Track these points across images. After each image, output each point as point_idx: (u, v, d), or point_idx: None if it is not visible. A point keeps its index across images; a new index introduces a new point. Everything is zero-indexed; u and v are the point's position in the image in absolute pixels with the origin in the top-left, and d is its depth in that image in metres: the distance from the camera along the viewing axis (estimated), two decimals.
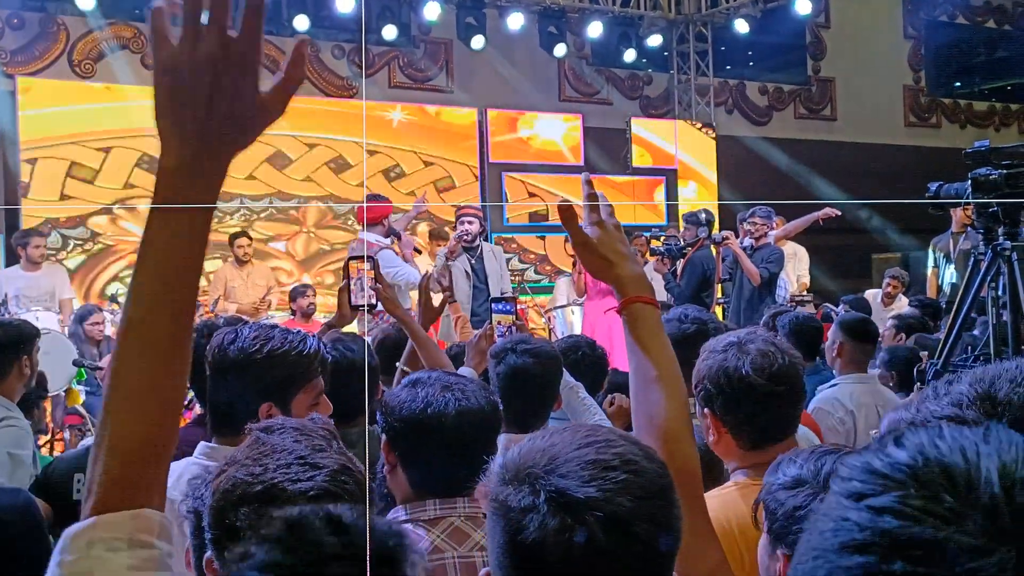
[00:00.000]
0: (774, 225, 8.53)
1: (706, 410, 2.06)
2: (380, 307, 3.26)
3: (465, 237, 7.39)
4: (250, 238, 9.10)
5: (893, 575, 0.58)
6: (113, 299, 8.33)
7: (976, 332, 4.88)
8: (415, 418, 1.89)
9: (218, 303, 8.61)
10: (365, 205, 7.43)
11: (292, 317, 8.27)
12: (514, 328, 3.37)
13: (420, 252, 7.52)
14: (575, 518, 1.03)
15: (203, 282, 8.52)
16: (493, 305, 3.52)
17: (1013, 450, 0.63)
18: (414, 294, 6.70)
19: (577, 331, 7.67)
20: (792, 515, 1.41)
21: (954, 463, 0.62)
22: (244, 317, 6.96)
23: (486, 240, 8.06)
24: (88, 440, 4.26)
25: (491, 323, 3.40)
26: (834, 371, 4.37)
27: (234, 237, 9.04)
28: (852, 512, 0.63)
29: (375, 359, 3.30)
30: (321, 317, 8.56)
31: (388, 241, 6.78)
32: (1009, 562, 0.57)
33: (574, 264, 8.38)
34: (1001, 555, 0.57)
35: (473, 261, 7.46)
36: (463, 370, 3.12)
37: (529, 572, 1.05)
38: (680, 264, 8.15)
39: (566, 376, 3.11)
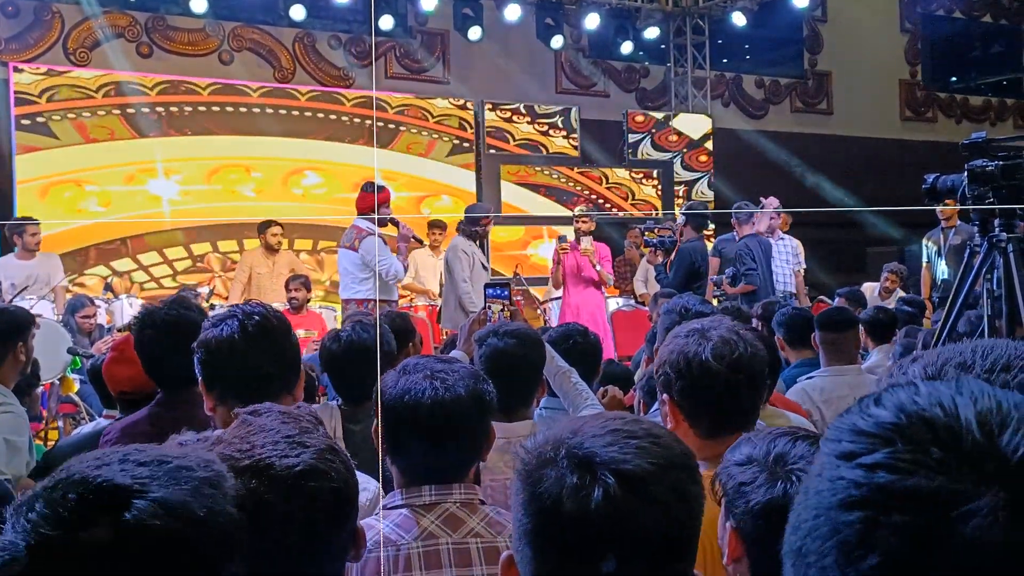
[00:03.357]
0: (754, 220, 8.53)
1: (665, 396, 2.05)
2: None
3: (486, 235, 7.95)
4: (281, 226, 9.13)
5: (892, 526, 0.62)
6: (108, 288, 8.30)
7: (960, 328, 4.83)
8: (394, 405, 1.89)
9: (212, 295, 8.61)
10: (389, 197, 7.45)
11: (287, 307, 8.25)
12: (505, 313, 3.35)
13: (422, 244, 7.59)
14: (592, 476, 1.05)
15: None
16: (487, 290, 3.49)
17: (986, 399, 0.66)
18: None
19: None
20: (738, 489, 1.43)
21: (935, 416, 0.66)
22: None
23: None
24: (85, 427, 4.25)
25: (484, 307, 3.39)
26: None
27: (265, 226, 9.06)
28: (846, 471, 0.65)
29: (391, 343, 3.28)
30: (316, 307, 8.56)
31: (374, 228, 6.78)
32: (999, 502, 0.61)
33: (555, 257, 8.43)
34: (990, 497, 0.61)
35: (484, 253, 7.78)
36: (455, 353, 3.11)
37: (547, 527, 1.06)
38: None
39: (558, 361, 3.08)
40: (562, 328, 3.73)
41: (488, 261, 7.84)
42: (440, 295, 9.02)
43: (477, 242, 7.82)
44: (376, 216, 6.84)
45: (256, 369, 2.05)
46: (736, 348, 1.99)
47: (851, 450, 0.66)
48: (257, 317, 2.08)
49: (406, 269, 6.89)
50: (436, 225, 9.73)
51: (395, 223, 6.96)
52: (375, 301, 6.69)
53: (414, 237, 7.00)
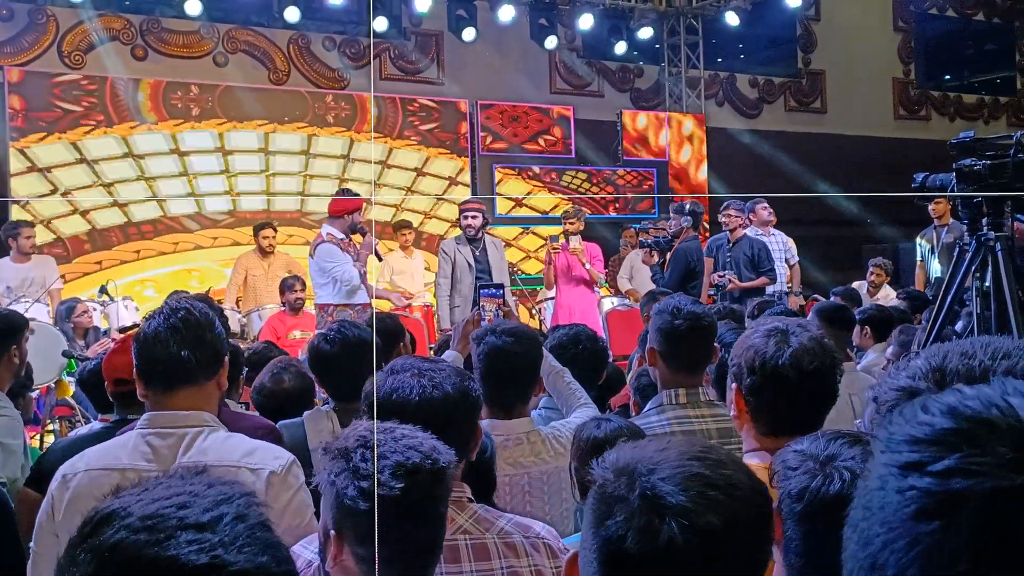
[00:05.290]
0: (750, 218, 8.58)
1: (734, 384, 2.08)
2: None
3: (469, 231, 7.71)
4: (275, 229, 9.16)
5: (978, 530, 0.62)
6: (103, 290, 8.30)
7: (958, 326, 4.86)
8: (381, 403, 1.91)
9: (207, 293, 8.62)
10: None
11: (283, 309, 8.26)
12: (500, 313, 3.38)
13: (380, 258, 7.47)
14: (661, 520, 1.05)
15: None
16: (481, 291, 3.52)
17: None
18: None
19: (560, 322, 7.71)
20: (784, 472, 1.48)
21: (994, 417, 0.66)
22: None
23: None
24: (80, 430, 4.26)
25: (479, 308, 3.41)
26: None
27: (259, 228, 9.12)
28: (915, 480, 0.65)
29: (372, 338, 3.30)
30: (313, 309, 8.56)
31: (340, 235, 6.73)
32: None
33: (546, 258, 8.48)
34: None
35: (477, 252, 7.76)
36: (448, 354, 3.14)
37: (611, 557, 1.08)
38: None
39: (552, 361, 3.10)
40: (572, 332, 3.71)
41: (485, 257, 7.75)
42: (416, 295, 9.11)
43: (475, 241, 7.79)
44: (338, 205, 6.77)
45: (175, 356, 2.19)
46: (816, 358, 1.99)
47: (916, 460, 0.66)
48: (182, 312, 2.25)
49: (364, 276, 6.80)
50: (403, 226, 9.77)
51: (362, 232, 6.88)
52: (335, 306, 6.56)
53: (376, 251, 6.87)
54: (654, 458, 1.11)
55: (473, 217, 7.76)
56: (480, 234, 7.81)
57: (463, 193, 11.71)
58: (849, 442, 1.49)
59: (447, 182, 12.01)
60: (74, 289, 9.26)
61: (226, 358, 2.31)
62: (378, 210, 11.36)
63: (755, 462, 2.01)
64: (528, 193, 12.25)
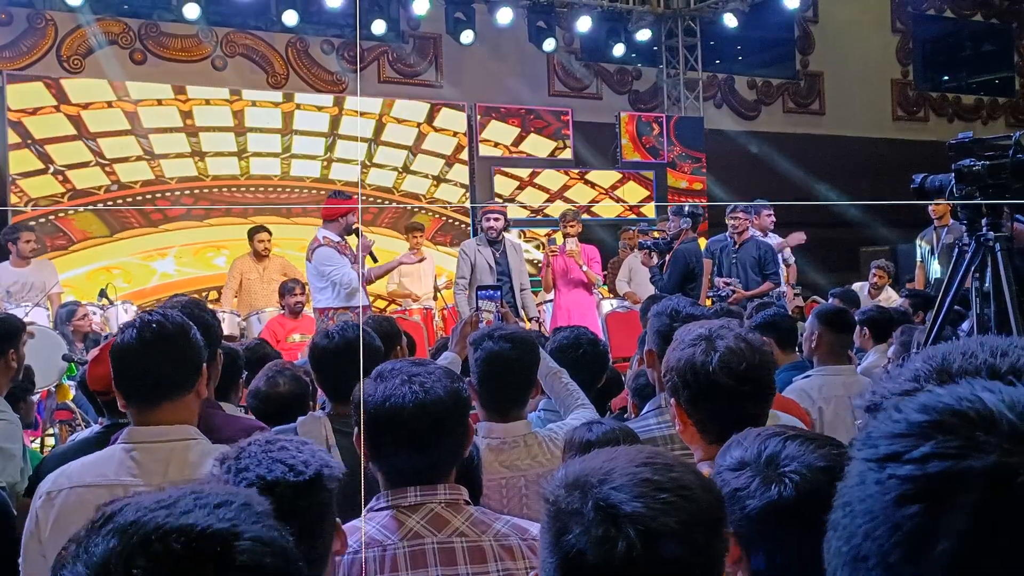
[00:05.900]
0: (754, 220, 8.60)
1: (673, 400, 2.07)
2: None
3: (491, 233, 7.79)
4: (269, 232, 9.17)
5: (959, 508, 0.63)
6: (103, 294, 8.31)
7: (964, 327, 4.84)
8: (375, 411, 1.91)
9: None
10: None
11: (282, 312, 8.27)
12: (499, 315, 3.38)
13: (376, 260, 7.39)
14: (618, 529, 1.07)
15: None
16: (479, 292, 3.53)
17: (1004, 392, 0.69)
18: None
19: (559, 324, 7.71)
20: (733, 495, 1.43)
21: (965, 408, 0.68)
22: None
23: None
24: (81, 434, 4.26)
25: (476, 310, 3.41)
26: (813, 361, 4.37)
27: (254, 232, 9.13)
28: (894, 469, 0.67)
29: (376, 340, 3.29)
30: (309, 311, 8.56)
31: (336, 238, 6.70)
32: None
33: (543, 260, 8.51)
34: None
35: (497, 255, 7.79)
36: (446, 355, 3.14)
37: (571, 573, 1.09)
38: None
39: (549, 362, 3.11)
40: (572, 335, 3.69)
41: (505, 259, 7.78)
42: (423, 297, 9.10)
43: (496, 243, 7.80)
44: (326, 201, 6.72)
45: (152, 372, 2.16)
46: (744, 358, 1.99)
47: (893, 451, 0.68)
48: (155, 325, 2.19)
49: (361, 278, 6.77)
50: (414, 228, 9.78)
51: (357, 233, 6.84)
52: (335, 310, 6.49)
53: (371, 253, 6.83)
54: (603, 468, 1.13)
55: (495, 219, 7.83)
56: (501, 236, 7.88)
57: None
58: (781, 440, 1.45)
59: (455, 138, 11.90)
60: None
61: (204, 366, 2.26)
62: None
63: (707, 470, 2.00)
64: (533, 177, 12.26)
